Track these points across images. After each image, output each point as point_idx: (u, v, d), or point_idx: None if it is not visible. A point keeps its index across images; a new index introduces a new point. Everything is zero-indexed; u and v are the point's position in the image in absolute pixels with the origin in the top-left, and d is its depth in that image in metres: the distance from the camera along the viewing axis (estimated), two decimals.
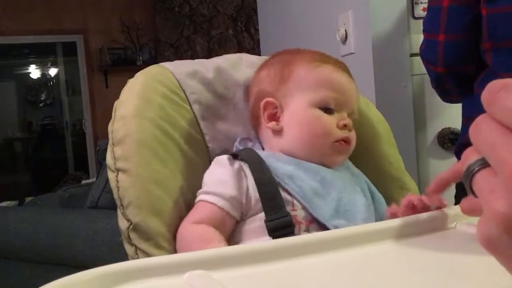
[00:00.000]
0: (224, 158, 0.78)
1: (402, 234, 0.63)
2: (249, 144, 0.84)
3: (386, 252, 0.60)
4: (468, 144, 0.33)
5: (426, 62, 1.19)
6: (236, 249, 0.57)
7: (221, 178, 0.75)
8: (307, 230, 0.72)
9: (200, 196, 0.76)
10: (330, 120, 0.78)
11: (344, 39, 1.62)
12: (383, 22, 1.49)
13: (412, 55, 1.51)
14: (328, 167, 0.79)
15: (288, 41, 2.06)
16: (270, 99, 0.81)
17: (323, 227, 0.72)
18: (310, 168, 0.77)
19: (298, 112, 0.79)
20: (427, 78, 1.40)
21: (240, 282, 0.52)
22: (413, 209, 0.68)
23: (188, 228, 0.73)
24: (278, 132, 0.81)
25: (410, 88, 1.52)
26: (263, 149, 0.84)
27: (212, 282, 0.50)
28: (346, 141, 0.79)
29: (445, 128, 1.53)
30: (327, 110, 0.79)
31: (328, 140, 0.78)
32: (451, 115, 1.51)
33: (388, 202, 0.79)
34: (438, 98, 1.25)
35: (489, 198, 0.28)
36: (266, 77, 0.84)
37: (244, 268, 0.54)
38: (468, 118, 1.14)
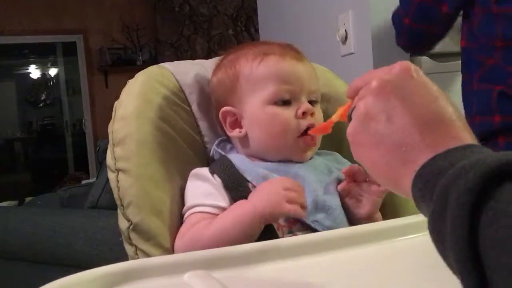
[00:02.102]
0: (205, 171, 0.77)
1: (402, 234, 0.63)
2: (228, 147, 0.84)
3: (386, 252, 0.60)
4: None
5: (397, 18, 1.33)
6: (236, 249, 0.57)
7: (208, 191, 0.74)
8: (292, 232, 0.72)
9: (191, 210, 0.74)
10: (288, 114, 0.77)
11: (344, 39, 1.62)
12: (383, 22, 1.49)
13: (412, 55, 1.51)
14: (298, 162, 0.79)
15: (288, 41, 2.05)
16: (226, 108, 0.81)
17: (306, 226, 0.72)
18: (280, 168, 0.76)
19: (254, 113, 0.78)
20: None
21: (240, 282, 0.52)
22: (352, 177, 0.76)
23: (185, 236, 0.71)
24: (243, 138, 0.81)
25: None
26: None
27: (212, 282, 0.50)
28: (310, 127, 0.77)
29: None
30: (285, 102, 0.77)
31: (290, 135, 0.77)
32: None
33: (387, 197, 0.79)
34: None
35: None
36: (218, 84, 0.83)
37: (244, 268, 0.54)
38: (470, 116, 1.14)
